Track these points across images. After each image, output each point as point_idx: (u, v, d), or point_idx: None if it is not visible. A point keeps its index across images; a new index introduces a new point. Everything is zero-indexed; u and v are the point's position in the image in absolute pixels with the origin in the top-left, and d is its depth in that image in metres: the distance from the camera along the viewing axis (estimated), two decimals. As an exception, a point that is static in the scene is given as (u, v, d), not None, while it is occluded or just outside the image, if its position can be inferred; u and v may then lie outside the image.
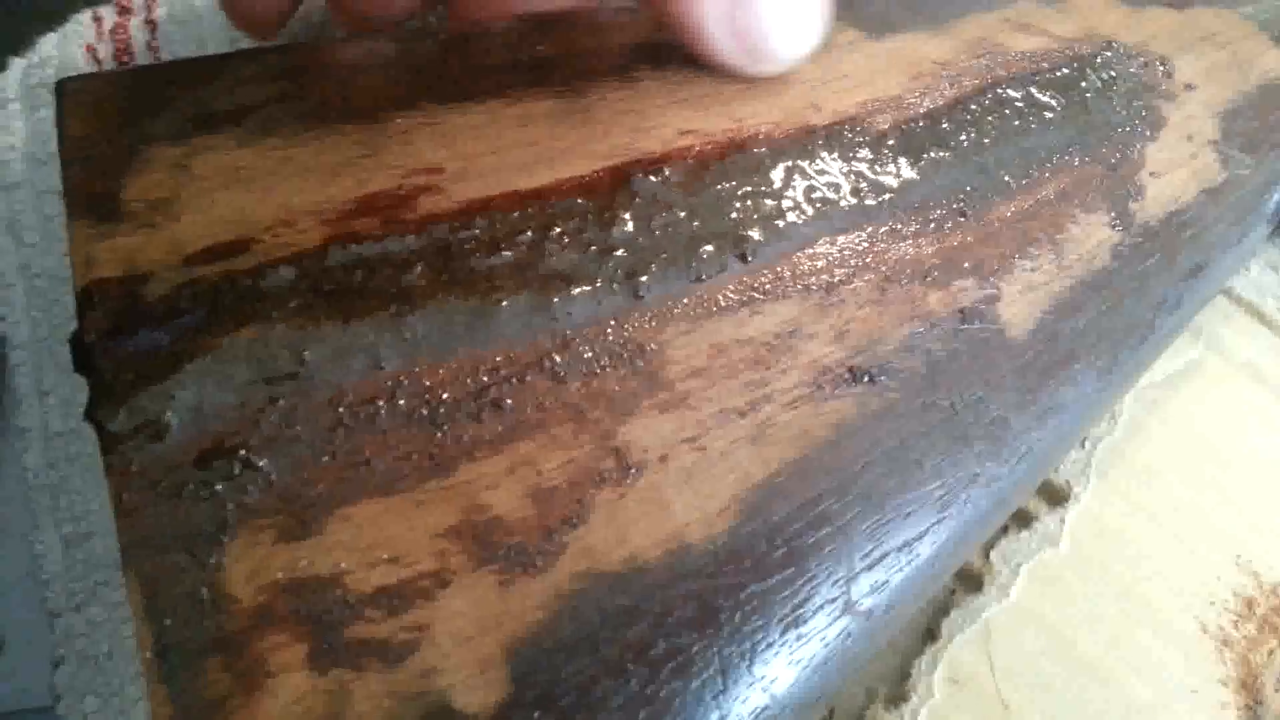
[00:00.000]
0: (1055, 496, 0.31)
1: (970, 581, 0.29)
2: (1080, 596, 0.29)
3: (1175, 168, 0.30)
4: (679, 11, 0.25)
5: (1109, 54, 0.31)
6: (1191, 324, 0.35)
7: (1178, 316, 0.29)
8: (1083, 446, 0.32)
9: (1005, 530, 0.30)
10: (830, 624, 0.21)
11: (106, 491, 0.18)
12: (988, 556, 0.30)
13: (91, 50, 0.35)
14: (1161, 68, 0.32)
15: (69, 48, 0.36)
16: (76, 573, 0.31)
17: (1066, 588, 0.30)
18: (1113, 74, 0.31)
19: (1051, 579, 0.30)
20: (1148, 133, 0.30)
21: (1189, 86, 0.32)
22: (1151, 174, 0.30)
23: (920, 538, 0.23)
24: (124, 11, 0.36)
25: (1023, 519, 0.30)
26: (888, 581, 0.22)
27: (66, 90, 0.24)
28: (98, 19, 0.36)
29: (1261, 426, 0.34)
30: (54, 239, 0.33)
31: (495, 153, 0.24)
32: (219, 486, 0.18)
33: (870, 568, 0.22)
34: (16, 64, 0.35)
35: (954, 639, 0.28)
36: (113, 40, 0.35)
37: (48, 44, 0.36)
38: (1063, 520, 0.30)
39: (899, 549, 0.22)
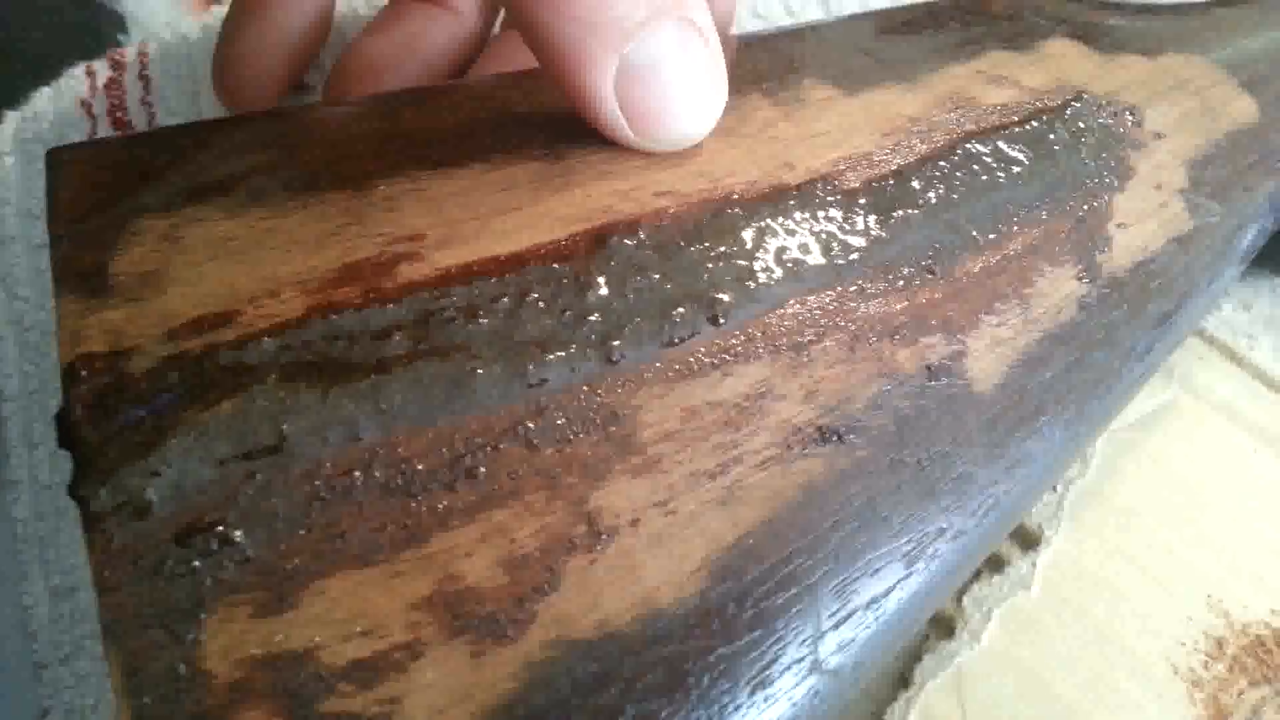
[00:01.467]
0: (1027, 540, 0.32)
1: (943, 627, 0.30)
2: (1053, 639, 0.30)
3: (1143, 218, 0.31)
4: (573, 84, 0.25)
5: (1078, 105, 0.32)
6: (1164, 365, 0.36)
7: (1146, 364, 0.30)
8: (1055, 490, 0.33)
9: (978, 575, 0.31)
10: (798, 684, 0.22)
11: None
12: (960, 601, 0.30)
13: (85, 105, 0.36)
14: (1131, 118, 0.33)
15: (63, 102, 0.36)
16: (63, 625, 0.31)
17: (1039, 631, 0.30)
18: (1082, 125, 0.31)
19: (1024, 623, 0.30)
20: (1116, 184, 0.31)
21: (1158, 135, 0.33)
22: (1119, 225, 0.30)
23: (887, 594, 0.23)
24: (117, 66, 0.37)
25: (995, 563, 0.31)
26: (855, 639, 0.23)
27: (56, 162, 0.24)
28: (91, 73, 0.37)
29: (1235, 465, 0.35)
30: (46, 293, 0.34)
31: (476, 218, 0.24)
32: (197, 563, 0.18)
33: (837, 626, 0.22)
34: (10, 117, 0.36)
35: (926, 685, 0.28)
36: (106, 95, 0.36)
37: (41, 98, 0.37)
38: (1034, 564, 0.31)
39: (866, 606, 0.23)
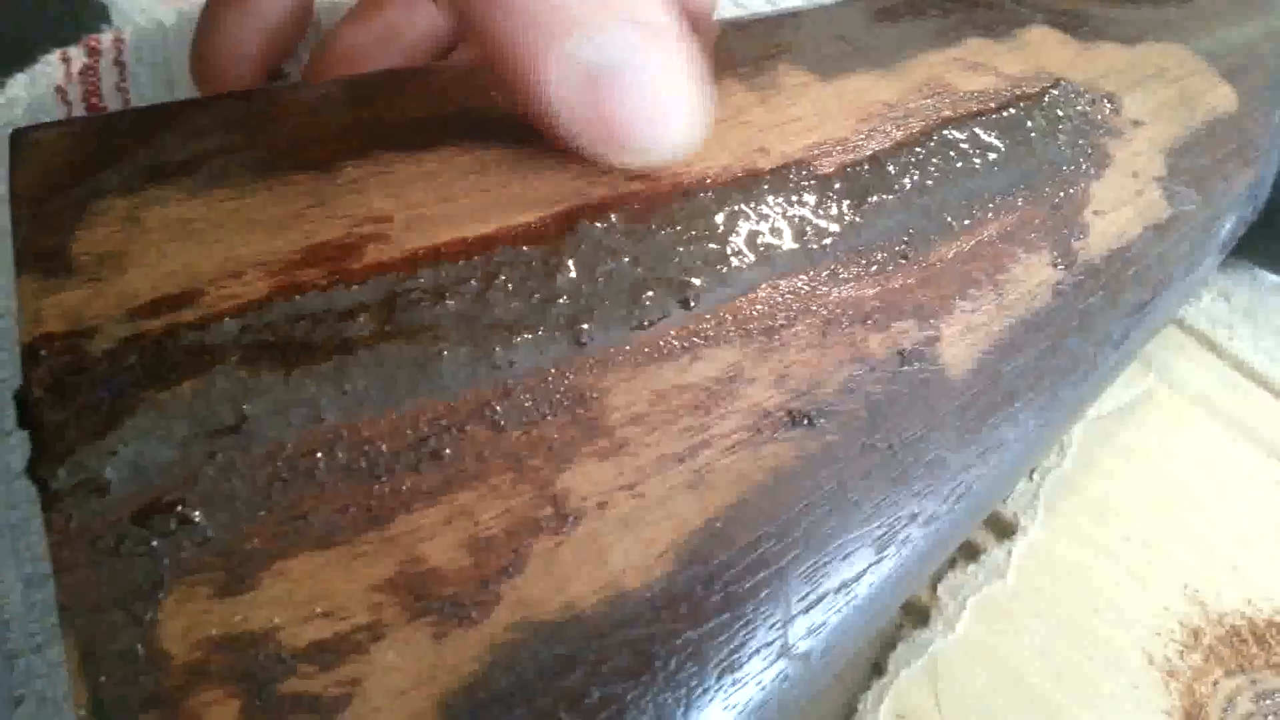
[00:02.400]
0: (1003, 529, 0.31)
1: (917, 615, 0.30)
2: (1027, 629, 0.30)
3: (1120, 205, 0.31)
4: (518, 86, 0.22)
5: (1056, 92, 0.32)
6: (1142, 355, 0.36)
7: (1122, 352, 0.30)
8: (1031, 479, 0.32)
9: (952, 564, 0.31)
10: (767, 667, 0.21)
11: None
12: (935, 590, 0.30)
13: (61, 91, 0.36)
14: (1109, 105, 0.33)
15: (38, 88, 0.36)
16: (36, 614, 0.31)
17: (1013, 620, 0.30)
18: (1059, 112, 0.31)
19: (999, 612, 0.30)
20: (1093, 171, 0.31)
21: (1137, 123, 0.33)
22: (1095, 212, 0.30)
23: (858, 578, 0.23)
24: (93, 53, 0.36)
25: (970, 552, 0.31)
26: (825, 623, 0.22)
27: (19, 143, 0.24)
28: (66, 60, 0.37)
29: (1212, 456, 0.35)
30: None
31: (445, 200, 0.24)
32: (155, 543, 0.18)
33: (807, 610, 0.22)
34: (-17, 104, 0.36)
35: (900, 674, 0.28)
36: (82, 81, 0.36)
37: (17, 84, 0.36)
38: (1010, 553, 0.31)
39: (836, 590, 0.23)
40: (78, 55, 0.37)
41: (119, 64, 0.36)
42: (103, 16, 0.59)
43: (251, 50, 0.34)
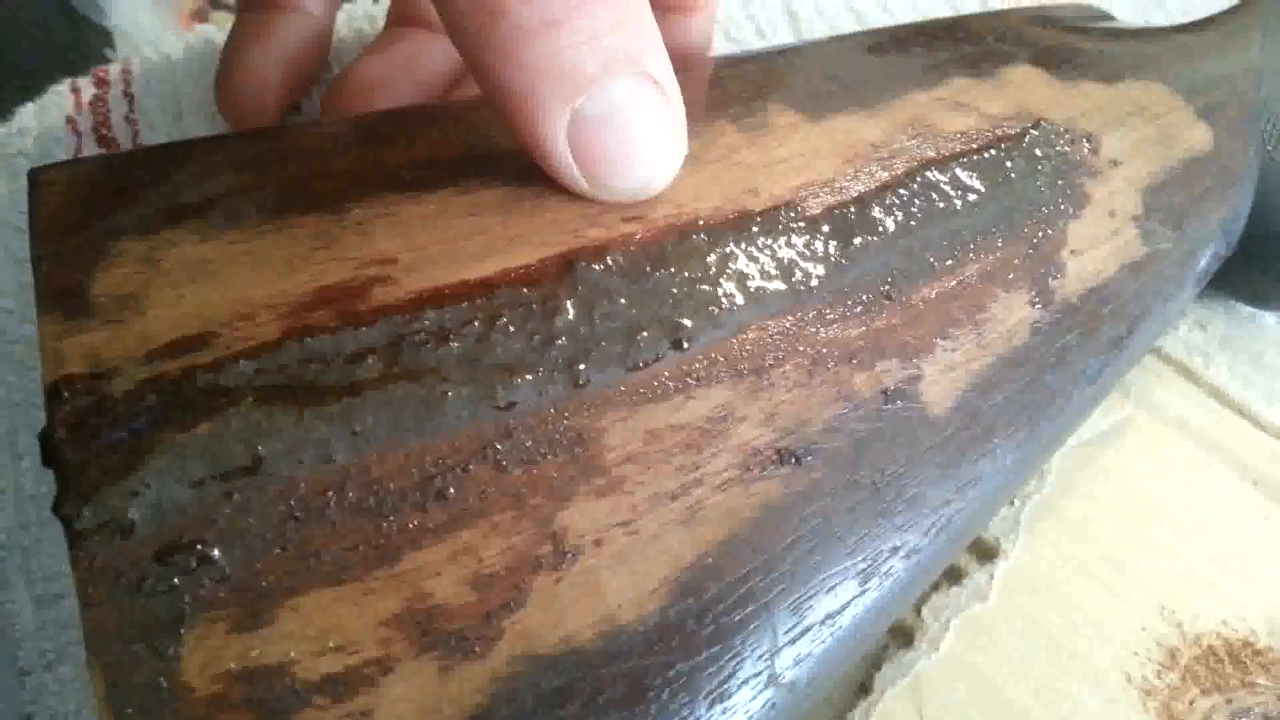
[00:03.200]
0: (985, 552, 0.33)
1: (902, 636, 0.31)
2: (1009, 648, 0.31)
3: (1097, 244, 0.32)
4: (525, 133, 0.24)
5: (1036, 133, 0.33)
6: (1121, 382, 0.37)
7: (1098, 386, 0.31)
8: (1012, 504, 0.34)
9: (936, 586, 0.32)
10: (755, 697, 0.22)
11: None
12: (919, 612, 0.31)
13: (70, 121, 0.37)
14: (1088, 145, 0.34)
15: (48, 118, 0.37)
16: (47, 632, 0.32)
17: (996, 640, 0.31)
18: (1039, 153, 0.33)
19: (981, 632, 0.31)
20: (1071, 210, 0.32)
21: (1114, 163, 0.34)
22: (1072, 252, 0.31)
23: (842, 610, 0.24)
24: (101, 83, 0.37)
25: (953, 575, 0.32)
26: (810, 653, 0.24)
27: (38, 181, 0.25)
28: (76, 90, 0.37)
29: (1189, 479, 0.36)
30: (30, 305, 0.35)
31: (447, 241, 0.25)
32: (176, 580, 0.19)
33: (793, 641, 0.23)
34: (-6, 132, 0.36)
35: (885, 692, 0.29)
36: (91, 112, 0.37)
37: (26, 114, 0.37)
38: (991, 575, 0.32)
39: (821, 622, 0.24)
40: (87, 86, 0.37)
41: (128, 95, 0.37)
42: (107, 42, 0.60)
43: (274, 82, 0.35)
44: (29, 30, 0.51)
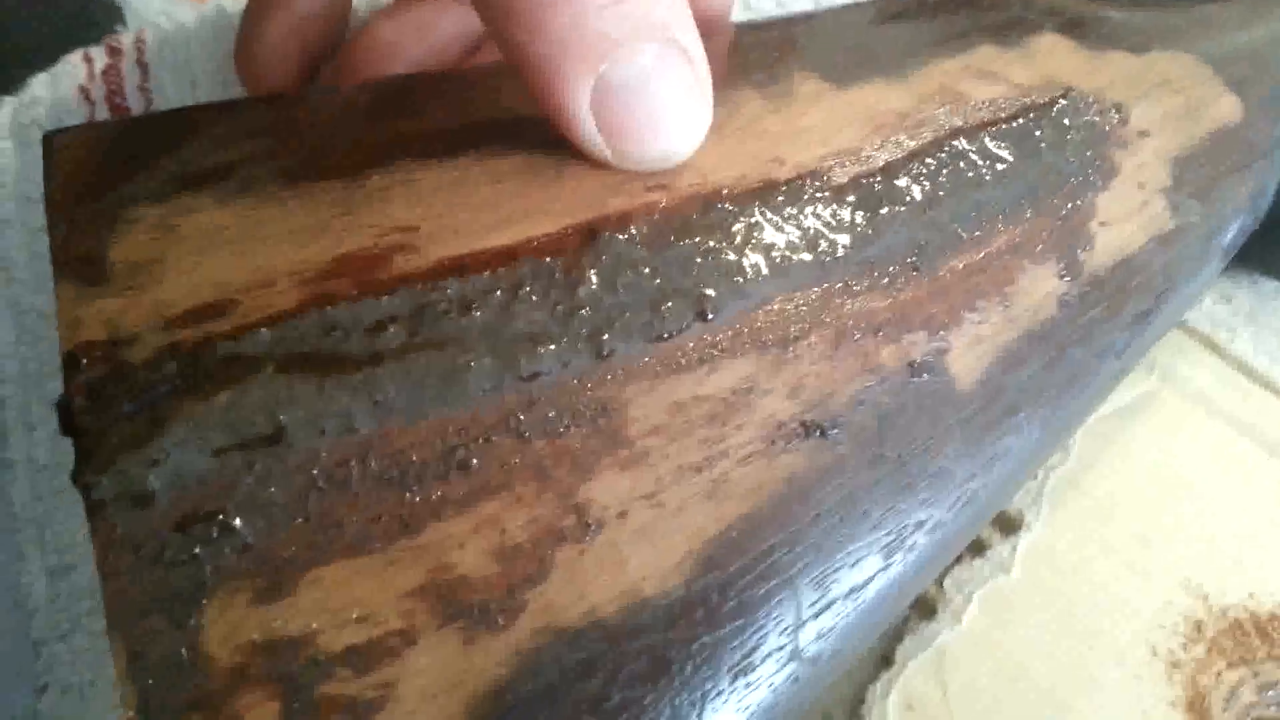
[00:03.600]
0: (1008, 525, 0.32)
1: (924, 608, 0.31)
2: (1032, 622, 0.31)
3: (1125, 217, 0.31)
4: (549, 102, 0.24)
5: (1065, 102, 0.32)
6: (1145, 356, 0.36)
7: (1125, 360, 0.31)
8: (1035, 477, 0.33)
9: (959, 558, 0.31)
10: (778, 670, 0.22)
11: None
12: (941, 584, 0.31)
13: (83, 90, 0.36)
14: (1117, 115, 0.33)
15: (60, 87, 0.37)
16: (61, 603, 0.32)
17: (1018, 613, 0.31)
18: (1068, 123, 0.32)
19: (1003, 605, 0.31)
20: (1100, 182, 0.31)
21: (1143, 134, 0.33)
22: (1101, 224, 0.31)
23: (866, 584, 0.24)
24: (114, 53, 0.37)
25: (976, 547, 0.32)
26: (834, 627, 0.23)
27: (53, 146, 0.25)
28: (89, 59, 0.37)
29: (1213, 454, 0.36)
30: (44, 276, 0.34)
31: (469, 210, 0.25)
32: (197, 550, 0.19)
33: (817, 615, 0.23)
34: (8, 102, 0.36)
35: (908, 665, 0.29)
36: (104, 81, 0.36)
37: (39, 84, 0.37)
38: (1014, 548, 0.32)
39: (845, 596, 0.24)
40: (99, 55, 0.37)
41: (141, 65, 0.36)
42: (116, 17, 0.59)
43: (292, 49, 0.34)
44: (37, 5, 0.51)
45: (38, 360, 0.34)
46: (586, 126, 0.24)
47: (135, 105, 0.35)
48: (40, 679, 0.33)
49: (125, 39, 0.37)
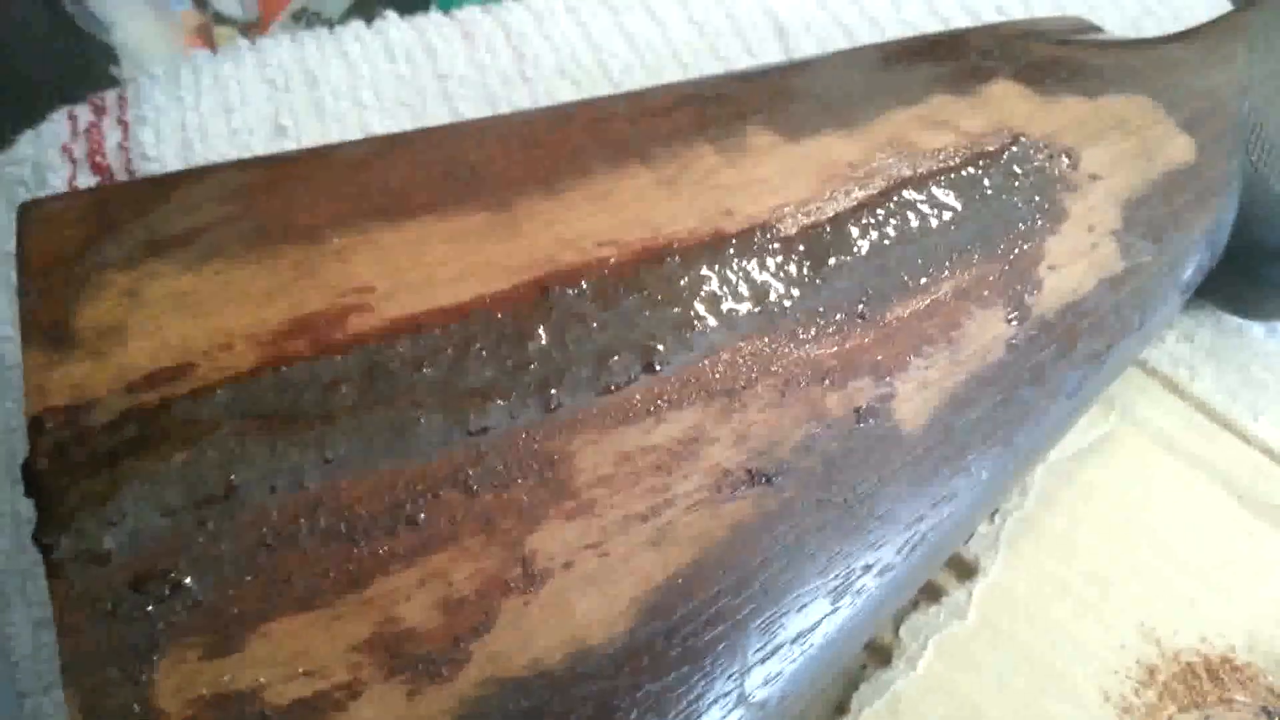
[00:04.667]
0: (964, 570, 0.33)
1: (880, 655, 0.31)
2: (987, 666, 0.31)
3: (1074, 259, 0.32)
4: None
5: (1015, 150, 0.33)
6: (1105, 396, 0.37)
7: (1077, 400, 0.31)
8: (993, 520, 0.34)
9: (915, 605, 0.32)
10: (725, 716, 0.23)
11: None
12: (897, 631, 0.31)
13: (66, 150, 0.37)
14: (1067, 160, 0.34)
15: (44, 145, 0.38)
16: (45, 655, 0.32)
17: (974, 658, 0.31)
18: (1017, 169, 0.33)
19: (959, 651, 0.31)
20: (1049, 226, 0.32)
21: (1094, 177, 0.34)
22: (1050, 267, 0.31)
23: (813, 628, 0.24)
24: (98, 110, 0.38)
25: (932, 593, 0.32)
26: (781, 672, 0.24)
27: (27, 215, 0.26)
28: (73, 117, 0.38)
29: (1173, 496, 0.36)
30: (25, 333, 0.35)
31: (424, 269, 0.26)
32: (151, 607, 0.20)
33: (764, 660, 0.24)
34: (-7, 161, 0.37)
35: (863, 712, 0.30)
36: (86, 140, 0.37)
37: (25, 142, 0.38)
38: (970, 593, 0.32)
39: (792, 640, 0.24)
40: (83, 113, 0.38)
41: (121, 123, 0.37)
42: (111, 59, 0.61)
43: None
44: (34, 48, 0.52)
45: (20, 415, 0.35)
46: None
47: (114, 163, 0.37)
48: (25, 728, 0.33)
49: (109, 96, 0.38)
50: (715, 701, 0.23)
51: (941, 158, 0.32)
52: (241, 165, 0.30)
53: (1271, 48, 0.42)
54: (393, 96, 0.41)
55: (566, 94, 0.43)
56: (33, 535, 0.21)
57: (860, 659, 0.31)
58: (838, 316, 0.28)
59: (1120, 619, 0.33)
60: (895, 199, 0.30)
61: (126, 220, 0.26)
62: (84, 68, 0.61)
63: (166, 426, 0.22)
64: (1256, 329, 0.41)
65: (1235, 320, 0.41)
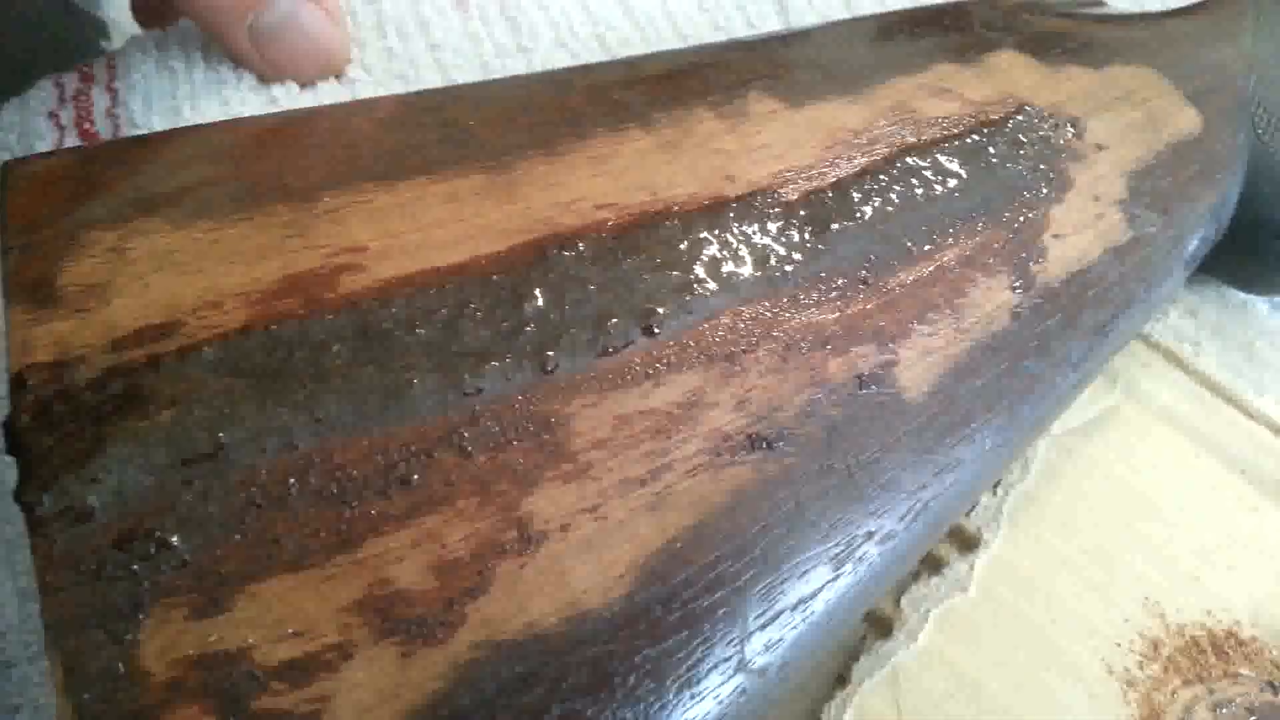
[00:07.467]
0: (966, 542, 0.32)
1: (880, 627, 0.31)
2: (988, 640, 0.31)
3: (1080, 229, 0.32)
4: (223, 46, 0.34)
5: (1020, 118, 0.33)
6: (1109, 370, 0.36)
7: (1082, 371, 0.31)
8: (995, 493, 0.33)
9: (916, 576, 0.31)
10: (724, 682, 0.22)
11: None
12: (898, 603, 0.31)
13: (53, 116, 0.37)
14: (1072, 130, 0.34)
15: (30, 113, 0.37)
16: (32, 625, 0.32)
17: (975, 632, 0.31)
18: (1022, 138, 0.32)
19: (960, 623, 0.31)
20: (1054, 195, 0.32)
21: (1100, 147, 0.34)
22: (1055, 236, 0.31)
23: (814, 595, 0.24)
24: (85, 78, 0.37)
25: (933, 565, 0.32)
26: (782, 639, 0.23)
27: (11, 173, 0.25)
28: (60, 85, 0.37)
29: (1175, 470, 0.36)
30: (11, 301, 0.35)
31: (420, 229, 0.25)
32: (136, 566, 0.19)
33: (764, 627, 0.23)
34: (-21, 129, 0.36)
35: (863, 684, 0.29)
36: (74, 106, 0.37)
37: (10, 109, 0.37)
38: (972, 566, 0.32)
39: (793, 607, 0.24)
40: (70, 80, 0.37)
41: (110, 90, 0.37)
42: (102, 33, 0.60)
43: None
44: (24, 21, 0.51)
45: (5, 383, 0.34)
46: (253, 63, 0.35)
47: (104, 130, 0.36)
48: (12, 700, 0.33)
49: (97, 65, 0.37)
50: (715, 667, 0.22)
51: (945, 125, 0.32)
52: (233, 125, 0.29)
53: (1277, 25, 0.41)
54: (384, 69, 0.41)
55: (564, 65, 0.42)
56: (14, 493, 0.20)
57: (860, 630, 0.30)
58: (840, 282, 0.27)
59: (1123, 594, 0.32)
60: (899, 165, 0.30)
61: (113, 178, 0.25)
62: (75, 42, 0.61)
63: (153, 384, 0.21)
64: (1261, 305, 0.41)
65: (1240, 296, 0.41)
